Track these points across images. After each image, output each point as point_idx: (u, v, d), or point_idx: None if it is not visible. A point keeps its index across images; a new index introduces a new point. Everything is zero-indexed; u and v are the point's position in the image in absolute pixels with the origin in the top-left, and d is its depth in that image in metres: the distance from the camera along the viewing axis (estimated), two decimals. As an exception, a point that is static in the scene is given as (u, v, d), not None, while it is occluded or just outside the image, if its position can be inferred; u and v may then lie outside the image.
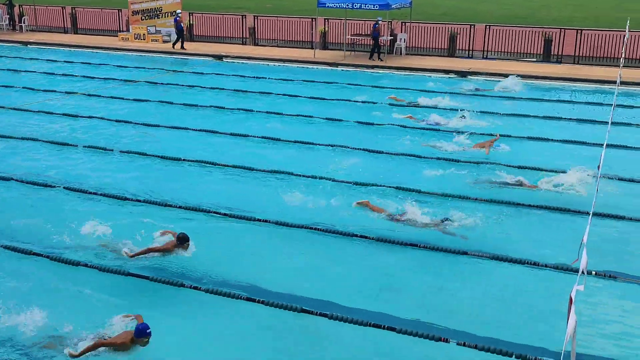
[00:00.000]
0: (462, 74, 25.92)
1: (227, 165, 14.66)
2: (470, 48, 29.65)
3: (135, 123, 18.35)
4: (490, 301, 9.26)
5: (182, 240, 10.04)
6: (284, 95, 22.17)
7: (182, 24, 31.21)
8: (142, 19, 33.99)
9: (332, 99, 21.54)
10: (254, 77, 25.22)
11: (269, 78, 25.11)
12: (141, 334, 7.51)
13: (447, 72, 26.34)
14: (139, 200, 12.57)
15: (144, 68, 27.22)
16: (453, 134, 16.81)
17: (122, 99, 21.50)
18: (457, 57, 29.50)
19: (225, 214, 11.92)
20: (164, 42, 33.35)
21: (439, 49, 30.15)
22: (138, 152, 15.58)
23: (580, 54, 27.97)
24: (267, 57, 29.54)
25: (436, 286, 9.63)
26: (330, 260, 10.42)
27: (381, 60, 28.15)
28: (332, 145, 16.22)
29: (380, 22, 28.22)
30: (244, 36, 33.45)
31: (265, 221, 11.62)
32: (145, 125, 18.14)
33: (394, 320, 8.55)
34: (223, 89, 23.14)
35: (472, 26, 29.64)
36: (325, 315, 8.63)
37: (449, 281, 9.76)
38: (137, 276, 9.59)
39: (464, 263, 10.28)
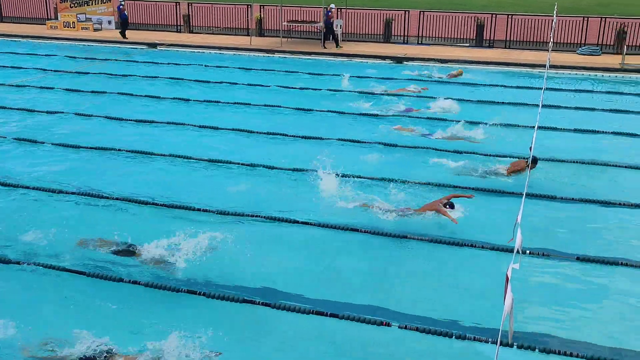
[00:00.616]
0: (398, 60, 26.19)
1: (164, 155, 14.42)
2: (405, 34, 29.97)
3: (68, 113, 17.83)
4: (431, 283, 9.42)
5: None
6: (220, 83, 21.94)
7: (125, 12, 30.46)
8: (70, 7, 32.95)
9: (270, 86, 21.43)
10: (190, 65, 24.84)
11: (205, 66, 24.78)
12: None
13: (383, 58, 26.57)
14: (73, 193, 12.23)
15: (75, 57, 26.43)
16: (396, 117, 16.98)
17: (53, 89, 20.84)
18: (392, 42, 29.78)
19: (163, 205, 11.73)
20: (95, 30, 32.46)
21: (375, 35, 30.37)
22: (71, 145, 15.15)
23: (511, 39, 28.67)
24: (202, 44, 29.12)
25: (378, 270, 9.73)
26: (272, 247, 10.40)
27: (340, 47, 28.01)
28: (271, 133, 16.17)
29: (333, 9, 28.16)
30: (179, 24, 32.88)
31: (205, 210, 11.51)
32: (78, 115, 17.64)
33: (336, 307, 8.62)
34: (158, 77, 22.71)
35: (407, 12, 29.96)
36: (268, 305, 8.62)
37: (390, 265, 9.89)
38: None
39: (404, 247, 10.43)
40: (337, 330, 8.22)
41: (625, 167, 14.05)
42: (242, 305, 8.65)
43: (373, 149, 15.10)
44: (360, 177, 13.11)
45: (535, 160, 12.49)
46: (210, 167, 13.85)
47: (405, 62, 25.92)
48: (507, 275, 4.68)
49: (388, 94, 20.29)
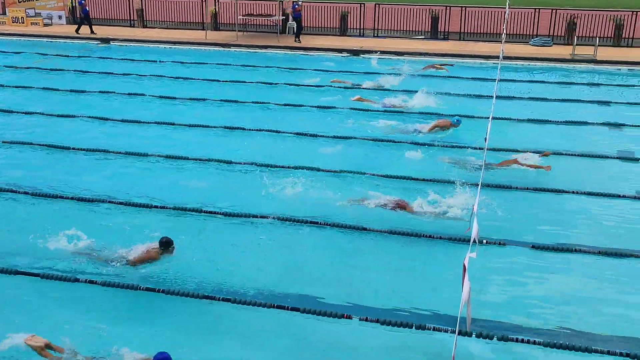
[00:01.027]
0: (355, 53, 26.26)
1: (119, 152, 14.19)
2: (361, 27, 30.05)
3: (18, 112, 17.39)
4: (390, 275, 9.49)
5: (167, 245, 9.26)
6: (176, 78, 21.65)
7: (87, 7, 29.82)
8: (19, 1, 32.10)
9: (227, 81, 21.25)
10: (145, 61, 24.46)
11: (159, 61, 24.43)
12: None
13: (340, 51, 26.59)
14: (25, 193, 11.94)
15: (24, 53, 25.76)
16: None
17: (2, 86, 20.29)
18: (348, 35, 29.84)
19: (121, 203, 11.55)
20: (45, 25, 31.69)
21: (331, 28, 30.37)
22: (23, 142, 14.80)
23: (466, 31, 29.02)
24: (157, 39, 28.70)
25: (339, 263, 9.76)
26: (230, 242, 10.33)
27: (299, 41, 27.84)
28: (229, 128, 16.04)
29: (300, 2, 27.94)
30: (132, 18, 32.34)
31: (163, 207, 11.37)
32: (28, 114, 17.21)
33: (298, 300, 8.62)
34: (112, 73, 22.30)
35: (362, 5, 30.03)
36: (228, 300, 8.57)
37: (350, 258, 9.92)
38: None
39: (363, 239, 10.48)
40: (298, 324, 8.21)
41: (578, 155, 14.35)
42: (202, 302, 8.58)
43: (335, 142, 15.12)
44: (319, 170, 13.12)
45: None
46: (166, 163, 13.68)
47: (362, 55, 26.00)
48: (464, 264, 4.74)
49: (348, 87, 20.33)
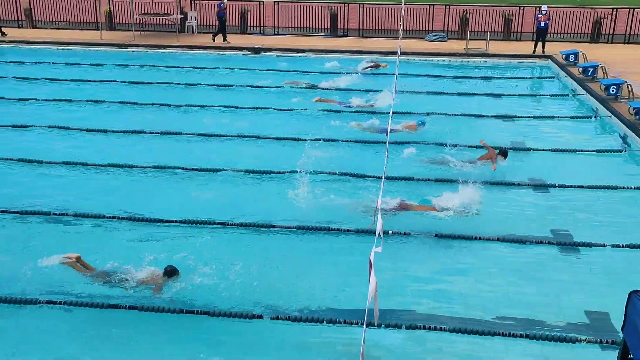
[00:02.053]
0: (256, 51, 26.16)
1: (9, 159, 13.50)
2: (262, 24, 29.97)
3: None
4: (299, 273, 9.52)
5: (170, 274, 8.82)
6: (71, 80, 20.81)
7: None
8: None
9: (126, 82, 20.65)
10: (36, 63, 23.34)
11: (52, 63, 23.40)
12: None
13: (240, 49, 26.41)
14: None
15: None
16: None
17: None
18: (248, 33, 29.70)
19: (16, 212, 11.01)
20: None
21: (231, 26, 30.09)
22: None
23: (364, 27, 29.53)
24: (48, 40, 27.44)
25: (248, 263, 9.70)
26: (136, 249, 10.07)
27: (227, 41, 27.18)
28: (129, 132, 15.59)
29: (225, 1, 27.25)
30: (20, 18, 30.82)
31: (63, 214, 10.93)
32: None
33: (208, 303, 8.51)
34: (0, 77, 21.16)
35: (262, 3, 29.95)
36: (135, 308, 8.34)
37: (258, 257, 9.88)
38: None
39: (269, 237, 10.47)
40: (209, 326, 8.11)
41: (475, 147, 14.89)
42: (109, 310, 8.32)
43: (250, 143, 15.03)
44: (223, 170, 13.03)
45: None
46: (64, 170, 13.15)
47: (262, 53, 25.94)
48: (370, 259, 4.81)
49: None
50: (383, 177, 6.87)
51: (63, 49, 26.55)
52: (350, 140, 14.99)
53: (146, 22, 29.91)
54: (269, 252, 10.07)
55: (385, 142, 7.13)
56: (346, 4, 29.93)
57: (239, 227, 10.69)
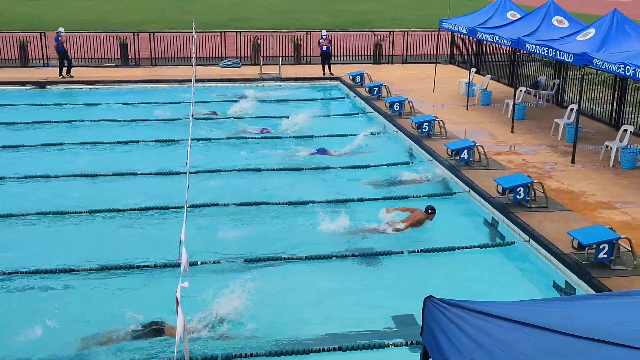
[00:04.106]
0: (41, 85, 24.53)
1: None
2: (45, 57, 28.16)
3: None
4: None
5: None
6: None
7: None
8: None
9: None
10: None
11: None
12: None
13: (23, 83, 24.58)
14: None
15: None
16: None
17: None
18: (30, 67, 27.78)
19: None
20: None
21: (8, 59, 27.96)
22: None
23: (157, 56, 28.97)
24: None
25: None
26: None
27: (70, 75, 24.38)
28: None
29: (63, 34, 24.64)
30: None
31: None
32: None
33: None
34: None
35: (43, 34, 28.18)
36: None
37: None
38: None
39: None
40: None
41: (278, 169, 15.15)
42: None
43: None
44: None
45: None
46: None
47: (49, 87, 24.38)
48: (176, 297, 4.63)
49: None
50: (185, 208, 6.69)
51: None
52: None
53: None
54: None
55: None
56: (135, 33, 29.18)
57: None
